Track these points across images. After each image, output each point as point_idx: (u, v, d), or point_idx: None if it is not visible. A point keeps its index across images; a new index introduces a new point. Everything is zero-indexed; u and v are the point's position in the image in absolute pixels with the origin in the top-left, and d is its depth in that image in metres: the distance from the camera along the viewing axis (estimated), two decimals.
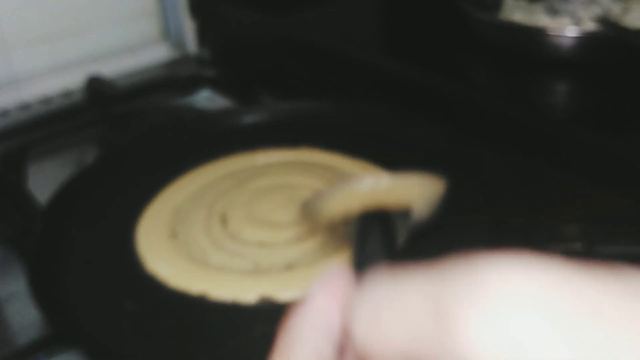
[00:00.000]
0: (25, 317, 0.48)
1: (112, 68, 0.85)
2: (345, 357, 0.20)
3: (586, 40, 0.62)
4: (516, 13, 0.68)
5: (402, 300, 0.18)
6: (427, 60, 0.68)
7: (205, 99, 0.82)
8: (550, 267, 0.17)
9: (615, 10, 0.66)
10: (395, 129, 0.62)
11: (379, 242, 0.35)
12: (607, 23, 0.62)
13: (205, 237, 0.50)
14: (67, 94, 0.83)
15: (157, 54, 0.93)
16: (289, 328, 0.21)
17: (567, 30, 0.63)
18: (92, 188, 0.57)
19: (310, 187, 0.55)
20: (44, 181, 0.62)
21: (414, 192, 0.42)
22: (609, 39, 0.61)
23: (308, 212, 0.41)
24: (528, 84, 0.63)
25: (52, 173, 0.65)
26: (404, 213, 0.42)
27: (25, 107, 0.81)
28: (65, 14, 0.86)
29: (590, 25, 0.63)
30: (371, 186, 0.40)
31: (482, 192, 0.53)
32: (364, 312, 0.19)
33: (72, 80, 0.83)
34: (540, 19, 0.66)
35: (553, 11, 0.66)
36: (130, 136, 0.69)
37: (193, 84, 0.83)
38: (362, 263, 0.28)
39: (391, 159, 0.58)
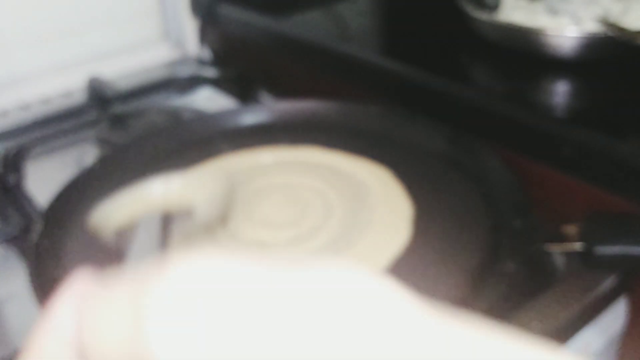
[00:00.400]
0: (25, 318, 0.48)
1: (112, 68, 0.85)
2: None
3: (586, 41, 0.61)
4: (516, 13, 0.68)
5: (109, 307, 0.20)
6: (427, 60, 0.68)
7: (206, 99, 0.82)
8: (213, 261, 0.20)
9: (615, 10, 0.65)
10: (395, 129, 0.62)
11: (152, 244, 0.36)
12: (607, 23, 0.62)
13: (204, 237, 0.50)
14: (67, 94, 0.83)
15: (158, 54, 0.93)
16: (32, 343, 0.21)
17: (567, 30, 0.62)
18: (92, 188, 0.57)
19: (310, 187, 0.55)
20: (43, 181, 0.62)
21: (198, 192, 0.42)
22: (609, 39, 0.61)
23: (95, 222, 0.41)
24: (528, 84, 0.63)
25: (52, 173, 0.65)
26: (185, 215, 0.41)
27: (25, 107, 0.81)
28: (66, 15, 0.86)
29: (590, 26, 0.63)
30: (154, 191, 0.40)
31: (482, 192, 0.53)
32: (87, 321, 0.21)
33: (72, 80, 0.83)
34: (540, 19, 0.66)
35: (553, 11, 0.66)
36: (130, 136, 0.69)
37: (193, 84, 0.83)
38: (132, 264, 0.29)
39: (391, 158, 0.58)
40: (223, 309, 0.19)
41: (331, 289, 0.20)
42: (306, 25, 0.83)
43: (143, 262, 0.27)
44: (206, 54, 0.93)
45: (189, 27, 0.93)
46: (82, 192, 0.57)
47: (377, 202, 0.53)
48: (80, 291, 0.22)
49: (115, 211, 0.40)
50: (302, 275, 0.20)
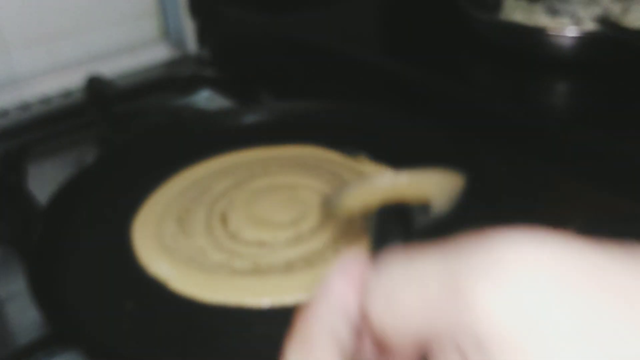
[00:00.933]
0: (25, 317, 0.48)
1: (112, 68, 0.85)
2: (363, 341, 0.20)
3: (586, 40, 0.61)
4: (516, 13, 0.68)
5: (418, 279, 0.18)
6: (427, 60, 0.68)
7: (205, 99, 0.82)
8: (564, 243, 0.17)
9: (615, 10, 0.66)
10: (395, 129, 0.62)
11: (396, 234, 0.35)
12: (607, 23, 0.62)
13: (206, 237, 0.50)
14: (67, 94, 0.83)
15: (157, 54, 0.93)
16: (308, 310, 0.21)
17: (567, 30, 0.62)
18: (92, 188, 0.57)
19: (310, 187, 0.55)
20: (44, 181, 0.62)
21: (433, 187, 0.42)
22: (609, 39, 0.61)
23: (328, 207, 0.41)
24: (528, 84, 0.63)
25: (52, 173, 0.65)
26: (423, 207, 0.42)
27: (25, 107, 0.81)
28: (65, 14, 0.86)
29: (590, 25, 0.63)
30: (390, 181, 0.40)
31: (482, 192, 0.53)
32: (380, 293, 0.19)
33: (72, 80, 0.83)
34: (541, 19, 0.66)
35: (553, 11, 0.66)
36: (130, 136, 0.69)
37: (193, 84, 0.83)
38: (379, 250, 0.28)
39: (391, 158, 0.58)
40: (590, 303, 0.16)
41: None
42: (306, 25, 0.83)
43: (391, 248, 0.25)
44: (206, 53, 0.93)
45: (188, 27, 0.93)
46: (81, 192, 0.57)
47: None
48: (358, 269, 0.21)
49: (349, 198, 0.41)
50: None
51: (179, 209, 0.54)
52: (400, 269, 0.19)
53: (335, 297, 0.21)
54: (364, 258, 0.21)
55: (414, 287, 0.18)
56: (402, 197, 0.42)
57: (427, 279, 0.18)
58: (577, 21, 0.64)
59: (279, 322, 0.42)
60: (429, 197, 0.43)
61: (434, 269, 0.18)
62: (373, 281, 0.19)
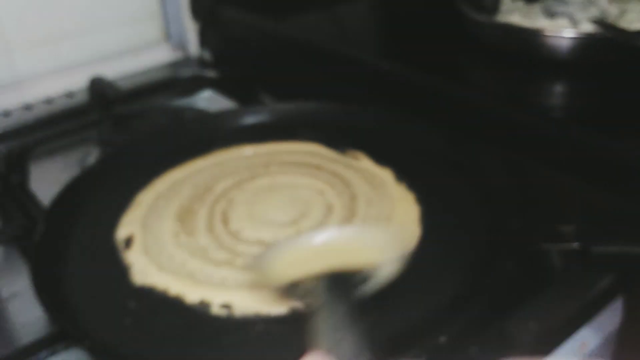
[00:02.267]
0: (28, 316, 0.49)
1: (114, 69, 0.86)
2: None
3: (583, 42, 0.62)
4: (514, 15, 0.68)
5: None
6: (427, 61, 0.68)
7: (207, 99, 0.82)
8: None
9: (612, 11, 0.66)
10: (395, 129, 0.63)
11: (344, 317, 0.33)
12: (604, 24, 0.62)
13: (207, 236, 0.50)
14: (69, 95, 0.84)
15: (159, 55, 0.93)
16: None
17: (564, 31, 0.63)
18: (94, 188, 0.58)
19: (310, 187, 0.56)
20: (46, 181, 0.62)
21: (377, 248, 0.38)
22: (606, 40, 0.61)
23: (256, 271, 0.39)
24: (526, 84, 0.63)
25: (55, 173, 0.65)
26: (366, 275, 0.37)
27: (28, 107, 0.81)
28: (68, 16, 0.86)
29: (587, 27, 0.64)
30: (326, 243, 0.37)
31: (480, 192, 0.54)
32: None
33: (75, 81, 0.83)
34: (538, 20, 0.66)
35: (550, 13, 0.67)
36: (132, 137, 0.69)
37: (194, 85, 0.83)
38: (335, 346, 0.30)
39: (391, 159, 0.59)
40: None
41: None
42: (306, 27, 0.83)
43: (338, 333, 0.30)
44: (207, 55, 0.94)
45: (190, 29, 0.93)
46: (84, 192, 0.57)
47: (378, 202, 0.53)
48: None
49: (280, 262, 0.38)
50: None
51: (180, 208, 0.54)
52: None
53: None
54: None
55: None
56: (339, 263, 0.36)
57: None
58: (574, 23, 0.65)
59: (279, 321, 0.43)
60: (372, 261, 0.38)
61: None
62: None
